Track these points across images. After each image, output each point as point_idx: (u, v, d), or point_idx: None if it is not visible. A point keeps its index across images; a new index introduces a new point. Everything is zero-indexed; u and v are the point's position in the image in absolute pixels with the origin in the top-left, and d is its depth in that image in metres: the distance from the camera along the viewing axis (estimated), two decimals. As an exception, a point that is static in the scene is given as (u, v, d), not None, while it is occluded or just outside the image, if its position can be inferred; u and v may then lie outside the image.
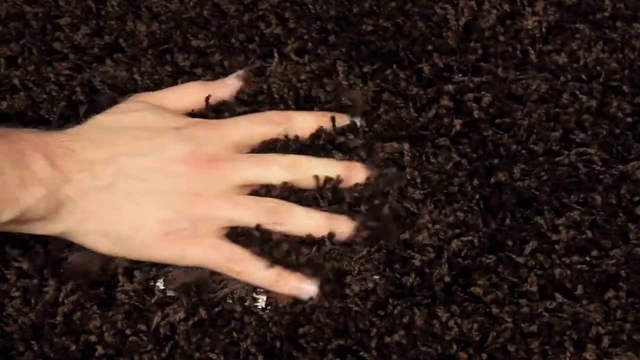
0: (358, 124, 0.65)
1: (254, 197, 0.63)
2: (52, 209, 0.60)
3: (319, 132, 0.65)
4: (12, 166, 0.58)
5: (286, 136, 0.65)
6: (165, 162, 0.62)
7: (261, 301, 0.62)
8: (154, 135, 0.63)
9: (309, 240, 0.62)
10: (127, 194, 0.61)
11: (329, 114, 0.66)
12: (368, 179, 0.63)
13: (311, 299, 0.61)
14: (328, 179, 0.63)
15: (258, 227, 0.62)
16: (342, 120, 0.66)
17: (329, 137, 0.65)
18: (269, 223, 0.62)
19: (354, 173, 0.64)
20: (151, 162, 0.62)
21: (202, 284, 0.62)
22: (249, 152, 0.65)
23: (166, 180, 0.62)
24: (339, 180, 0.63)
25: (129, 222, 0.61)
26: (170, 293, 0.62)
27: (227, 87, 0.68)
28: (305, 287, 0.61)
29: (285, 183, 0.63)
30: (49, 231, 0.61)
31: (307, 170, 0.63)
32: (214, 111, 0.67)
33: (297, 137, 0.65)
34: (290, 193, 0.63)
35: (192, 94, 0.68)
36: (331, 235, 0.62)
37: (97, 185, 0.61)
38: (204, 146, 0.63)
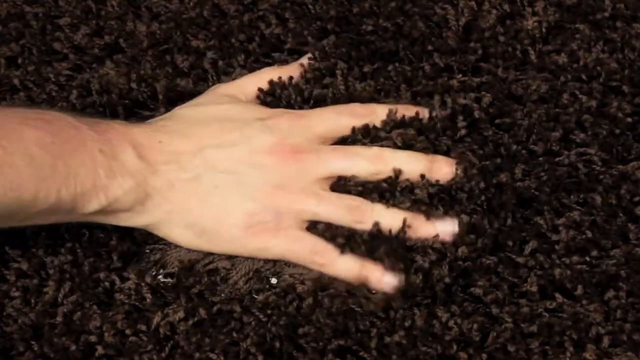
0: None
1: (337, 193, 0.63)
2: (139, 200, 0.60)
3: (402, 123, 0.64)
4: (101, 156, 0.59)
5: (371, 128, 0.64)
6: (250, 154, 0.62)
7: (273, 280, 0.62)
8: (240, 127, 0.63)
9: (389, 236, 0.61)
10: (213, 186, 0.61)
11: (413, 108, 0.65)
12: (453, 172, 0.63)
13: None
14: (410, 174, 0.62)
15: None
16: (424, 113, 0.65)
17: (409, 135, 0.64)
18: (350, 220, 0.62)
19: (437, 166, 0.63)
20: (237, 153, 0.62)
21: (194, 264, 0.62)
22: (332, 144, 0.65)
23: (251, 172, 0.62)
24: (422, 174, 0.62)
25: (215, 215, 0.61)
26: (167, 279, 0.62)
27: (301, 69, 0.68)
28: (388, 280, 0.61)
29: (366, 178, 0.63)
30: (135, 223, 0.62)
31: (392, 162, 0.63)
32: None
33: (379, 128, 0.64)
34: (373, 188, 0.62)
35: (268, 78, 0.68)
36: (410, 234, 0.61)
37: (183, 177, 0.61)
38: (289, 137, 0.63)
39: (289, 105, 0.67)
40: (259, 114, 0.64)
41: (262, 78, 0.68)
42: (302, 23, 0.70)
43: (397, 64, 0.67)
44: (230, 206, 0.61)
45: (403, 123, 0.64)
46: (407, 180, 0.63)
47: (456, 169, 0.63)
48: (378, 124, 0.64)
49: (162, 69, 0.70)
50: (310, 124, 0.64)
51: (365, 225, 0.62)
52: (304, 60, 0.68)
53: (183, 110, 0.65)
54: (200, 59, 0.70)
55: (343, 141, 0.65)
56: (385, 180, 0.63)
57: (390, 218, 0.62)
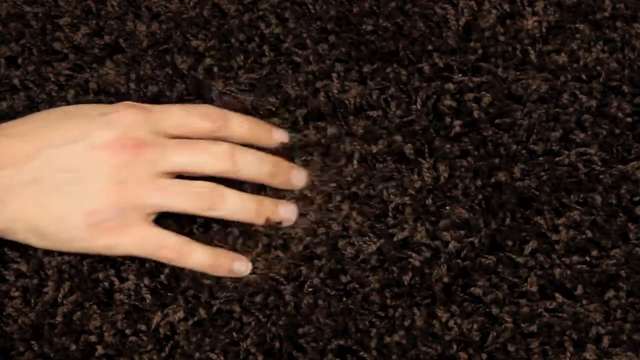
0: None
1: (184, 181, 0.61)
2: None
3: (249, 143, 0.64)
4: None
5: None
6: (90, 150, 0.60)
7: None
8: (80, 123, 0.61)
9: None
10: (52, 187, 0.60)
11: (265, 125, 0.65)
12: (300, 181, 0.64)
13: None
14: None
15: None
16: (277, 134, 0.65)
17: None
18: (199, 209, 0.61)
19: (280, 171, 0.63)
20: (76, 150, 0.60)
21: None
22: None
23: (91, 169, 0.60)
24: (269, 178, 0.63)
25: (55, 217, 0.60)
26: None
27: None
28: (238, 266, 0.61)
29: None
30: None
31: (239, 162, 0.62)
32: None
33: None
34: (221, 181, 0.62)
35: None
36: (267, 221, 0.62)
37: (21, 181, 0.60)
38: (131, 131, 0.61)
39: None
40: (103, 110, 0.63)
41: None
42: (302, 23, 0.70)
43: (396, 64, 0.67)
44: (70, 206, 0.60)
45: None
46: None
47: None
48: (229, 133, 0.63)
49: (161, 69, 0.70)
50: (156, 118, 0.62)
51: (217, 212, 0.61)
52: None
53: (33, 115, 0.64)
54: (200, 59, 0.70)
55: None
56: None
57: (242, 204, 0.62)
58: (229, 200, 0.61)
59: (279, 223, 0.63)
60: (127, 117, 0.62)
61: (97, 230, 0.60)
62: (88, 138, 0.60)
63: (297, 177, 0.64)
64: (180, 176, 0.62)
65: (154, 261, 0.62)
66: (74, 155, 0.60)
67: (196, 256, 0.61)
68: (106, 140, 0.60)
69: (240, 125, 0.64)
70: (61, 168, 0.60)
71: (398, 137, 0.65)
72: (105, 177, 0.60)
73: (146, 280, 0.62)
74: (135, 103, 0.64)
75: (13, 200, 0.60)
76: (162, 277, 0.62)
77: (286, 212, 0.63)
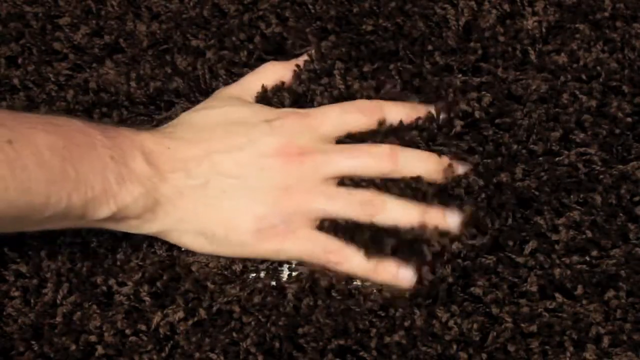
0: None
1: (347, 188, 0.62)
2: (148, 208, 0.60)
3: (412, 124, 0.64)
4: (112, 162, 0.58)
5: (380, 125, 0.64)
6: (257, 157, 0.62)
7: (285, 272, 0.63)
8: (245, 130, 0.63)
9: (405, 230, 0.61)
10: (221, 191, 0.61)
11: (421, 106, 0.65)
12: (461, 174, 0.63)
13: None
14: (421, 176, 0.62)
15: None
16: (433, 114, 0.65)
17: (423, 128, 0.64)
18: (362, 215, 0.62)
19: (442, 167, 0.63)
20: (244, 157, 0.62)
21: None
22: (341, 142, 0.64)
23: (259, 175, 0.62)
24: (433, 175, 0.63)
25: (224, 221, 0.61)
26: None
27: (302, 64, 0.68)
28: (404, 274, 0.61)
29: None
30: (146, 230, 0.62)
31: (401, 161, 0.63)
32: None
33: (391, 126, 0.64)
34: (384, 186, 0.62)
35: (270, 75, 0.67)
36: (435, 230, 0.61)
37: (191, 184, 0.61)
38: (295, 138, 0.62)
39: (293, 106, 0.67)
40: (265, 116, 0.64)
41: (264, 75, 0.67)
42: (302, 23, 0.70)
43: (397, 64, 0.67)
44: (239, 211, 0.61)
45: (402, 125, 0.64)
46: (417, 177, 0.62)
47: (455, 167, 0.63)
48: (387, 121, 0.64)
49: (161, 69, 0.70)
50: (316, 123, 0.64)
51: (379, 218, 0.62)
52: (303, 58, 0.68)
53: (190, 116, 0.65)
54: (200, 58, 0.70)
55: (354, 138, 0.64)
56: (393, 180, 0.62)
57: (402, 211, 0.62)
58: (391, 207, 0.62)
59: (447, 233, 0.62)
60: (289, 123, 0.63)
61: (265, 235, 0.61)
62: (254, 145, 0.62)
63: (461, 169, 0.64)
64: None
65: (154, 269, 0.62)
66: (241, 162, 0.62)
67: (357, 260, 0.62)
68: (272, 148, 0.62)
69: (397, 111, 0.65)
70: (229, 174, 0.62)
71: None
72: (272, 184, 0.61)
73: (145, 287, 0.62)
74: (294, 109, 0.65)
75: (184, 202, 0.61)
76: (159, 284, 0.62)
77: (454, 221, 0.62)
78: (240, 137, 0.62)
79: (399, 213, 0.62)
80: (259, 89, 0.67)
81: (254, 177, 0.61)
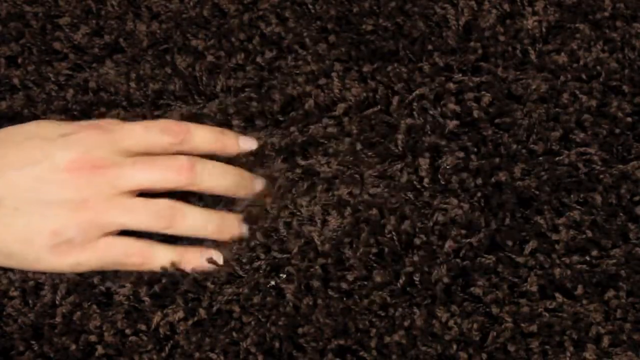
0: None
1: (143, 199, 0.62)
2: None
3: (214, 154, 0.65)
4: None
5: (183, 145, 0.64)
6: (51, 171, 0.61)
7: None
8: (41, 145, 0.62)
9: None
10: (15, 208, 0.60)
11: (230, 133, 0.66)
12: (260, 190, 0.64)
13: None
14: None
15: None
16: (244, 142, 0.66)
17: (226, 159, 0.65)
18: (159, 227, 0.62)
19: (244, 182, 0.64)
20: (39, 172, 0.61)
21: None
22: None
23: (53, 190, 0.61)
24: (233, 190, 0.64)
25: (20, 238, 0.61)
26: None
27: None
28: (203, 261, 0.62)
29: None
30: None
31: (200, 174, 0.63)
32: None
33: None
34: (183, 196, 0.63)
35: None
36: (231, 238, 0.63)
37: None
38: (91, 151, 0.62)
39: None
40: (63, 130, 0.63)
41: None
42: (302, 23, 0.70)
43: (397, 64, 0.67)
44: (34, 227, 0.61)
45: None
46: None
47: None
48: (193, 145, 0.64)
49: (161, 69, 0.70)
50: (116, 137, 0.63)
51: (178, 229, 0.62)
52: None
53: None
54: (200, 58, 0.70)
55: None
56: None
57: (202, 220, 0.63)
58: (189, 217, 0.62)
59: (240, 238, 0.64)
60: (87, 137, 0.62)
61: (62, 250, 0.61)
62: (49, 159, 0.61)
63: (259, 186, 0.65)
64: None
65: (151, 272, 0.63)
66: (35, 177, 0.61)
67: (161, 256, 0.62)
68: (67, 161, 0.61)
69: (204, 136, 0.65)
70: (23, 189, 0.61)
71: (397, 136, 0.65)
72: (65, 198, 0.61)
73: (144, 289, 0.62)
74: (96, 122, 0.65)
75: None
76: (157, 287, 0.62)
77: (244, 227, 0.64)
78: (34, 152, 0.62)
79: (198, 222, 0.63)
80: None
81: (48, 192, 0.61)
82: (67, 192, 0.61)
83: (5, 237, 0.61)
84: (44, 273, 0.63)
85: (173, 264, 0.62)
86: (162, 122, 0.65)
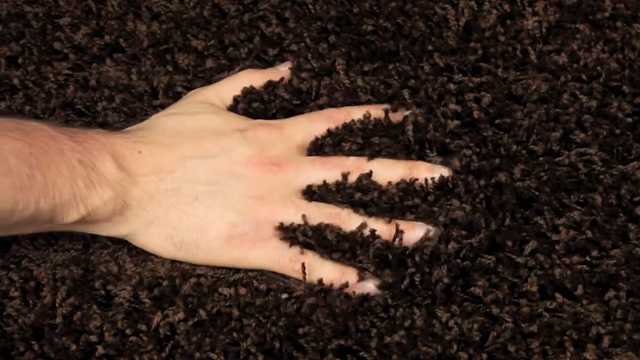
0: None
1: (316, 202, 0.63)
2: (118, 211, 0.60)
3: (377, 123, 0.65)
4: (80, 166, 0.59)
5: (350, 130, 0.65)
6: (230, 165, 0.62)
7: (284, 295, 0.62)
8: (219, 138, 0.63)
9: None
10: (193, 197, 0.62)
11: (386, 107, 0.66)
12: (432, 178, 0.63)
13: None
14: (392, 182, 0.63)
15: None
16: (399, 113, 0.66)
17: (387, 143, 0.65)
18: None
19: (415, 172, 0.64)
20: (217, 165, 0.62)
21: None
22: (313, 152, 0.65)
23: (231, 183, 0.62)
24: (403, 181, 0.63)
25: (195, 227, 0.61)
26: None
27: (280, 74, 0.68)
28: (366, 284, 0.61)
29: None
30: (114, 233, 0.62)
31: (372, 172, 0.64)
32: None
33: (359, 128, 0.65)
34: (351, 196, 0.63)
35: (247, 82, 0.68)
36: (395, 239, 0.62)
37: (164, 189, 0.61)
38: (267, 149, 0.63)
39: (279, 109, 0.67)
40: (238, 125, 0.64)
41: (239, 83, 0.68)
42: (302, 23, 0.70)
43: (397, 64, 0.67)
44: (211, 218, 0.61)
45: (381, 127, 0.65)
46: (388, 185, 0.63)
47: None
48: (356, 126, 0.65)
49: (162, 69, 0.70)
50: (288, 134, 0.64)
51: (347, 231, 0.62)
52: (284, 66, 0.68)
53: (162, 120, 0.65)
54: (200, 58, 0.70)
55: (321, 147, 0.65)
56: (361, 189, 0.63)
57: (369, 226, 0.62)
58: (356, 221, 0.63)
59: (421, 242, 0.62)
60: (262, 134, 0.64)
61: (235, 243, 0.62)
62: (228, 154, 0.62)
63: (424, 173, 0.64)
64: None
65: (151, 277, 0.63)
66: (214, 169, 0.62)
67: (325, 270, 0.62)
68: (246, 157, 0.62)
69: (364, 116, 0.65)
70: (202, 181, 0.62)
71: (403, 136, 0.65)
72: (244, 193, 0.62)
73: (145, 292, 0.62)
74: (265, 121, 0.66)
75: (155, 206, 0.61)
76: (156, 291, 0.62)
77: (421, 231, 0.63)
78: (213, 145, 0.63)
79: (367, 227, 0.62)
80: (231, 95, 0.67)
81: (226, 185, 0.62)
82: (246, 187, 0.62)
83: (181, 224, 0.61)
84: (45, 277, 0.63)
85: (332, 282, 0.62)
86: (324, 112, 0.66)
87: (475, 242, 0.61)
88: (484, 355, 0.58)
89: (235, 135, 0.63)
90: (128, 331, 0.61)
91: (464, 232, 0.61)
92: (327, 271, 0.62)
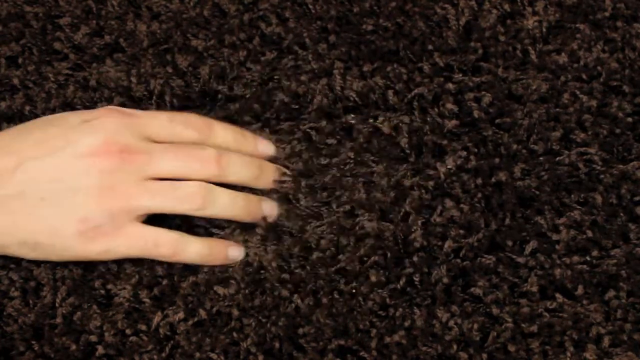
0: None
1: (173, 182, 0.61)
2: None
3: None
4: None
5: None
6: (76, 158, 0.60)
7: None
8: (63, 132, 0.61)
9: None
10: (40, 199, 0.60)
11: (249, 135, 0.66)
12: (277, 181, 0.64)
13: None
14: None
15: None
16: (262, 145, 0.66)
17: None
18: (190, 209, 0.61)
19: (264, 175, 0.64)
20: (61, 161, 0.60)
21: None
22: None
23: (78, 178, 0.60)
24: (256, 182, 0.64)
25: (47, 228, 0.60)
26: None
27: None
28: (232, 253, 0.62)
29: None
30: None
31: (226, 166, 0.62)
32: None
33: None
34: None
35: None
36: (261, 219, 0.63)
37: (7, 194, 0.59)
38: (116, 136, 0.61)
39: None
40: (85, 116, 0.62)
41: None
42: (303, 23, 0.70)
43: (397, 64, 0.67)
44: (61, 216, 0.60)
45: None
46: None
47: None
48: (214, 142, 0.64)
49: (162, 69, 0.70)
50: (139, 122, 0.62)
51: (209, 211, 0.62)
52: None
53: (13, 127, 0.64)
54: (200, 58, 0.70)
55: None
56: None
57: (231, 202, 0.62)
58: (219, 199, 0.62)
59: (264, 218, 0.63)
60: (110, 122, 0.61)
61: (91, 237, 0.60)
62: (72, 146, 0.60)
63: (271, 176, 0.65)
64: None
65: (151, 275, 0.63)
66: (58, 165, 0.60)
67: (192, 249, 0.62)
68: (91, 147, 0.60)
69: (225, 135, 0.65)
70: (46, 179, 0.60)
71: (398, 138, 0.65)
72: (92, 184, 0.60)
73: (145, 291, 0.62)
74: (117, 107, 0.64)
75: (2, 214, 0.59)
76: (156, 290, 0.62)
77: (268, 208, 0.64)
78: (56, 140, 0.61)
79: (227, 203, 0.62)
80: None
81: (73, 179, 0.60)
82: (94, 179, 0.60)
83: (31, 228, 0.60)
84: (45, 277, 0.63)
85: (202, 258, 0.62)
86: (186, 116, 0.65)
87: (475, 241, 0.61)
88: (484, 355, 0.58)
89: (81, 127, 0.61)
90: (128, 331, 0.61)
91: (462, 232, 0.61)
92: (195, 249, 0.62)
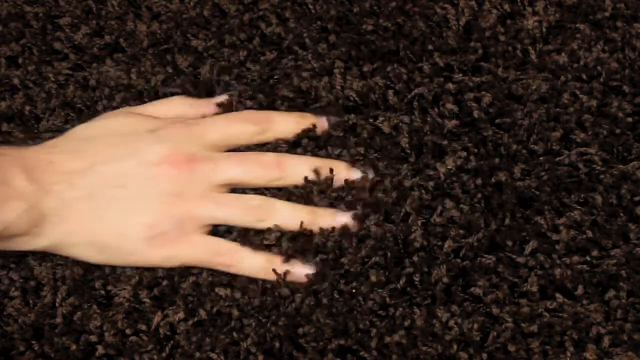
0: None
1: (236, 195, 0.63)
2: (34, 223, 0.60)
3: (301, 136, 0.65)
4: None
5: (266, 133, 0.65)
6: (143, 166, 0.62)
7: None
8: (130, 140, 0.63)
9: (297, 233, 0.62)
10: (108, 202, 0.61)
11: (310, 116, 0.66)
12: (351, 179, 0.64)
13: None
14: (311, 180, 0.63)
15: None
16: (322, 123, 0.66)
17: (310, 141, 0.65)
18: (252, 221, 0.62)
19: (337, 172, 0.64)
20: (129, 167, 0.62)
21: None
22: (229, 151, 0.65)
23: (146, 184, 0.61)
24: (324, 179, 0.63)
25: (114, 231, 0.61)
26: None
27: (213, 107, 0.67)
28: (298, 270, 0.62)
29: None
30: (35, 246, 0.61)
31: (290, 169, 0.63)
32: None
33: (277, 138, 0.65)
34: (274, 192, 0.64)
35: (179, 109, 0.67)
36: (320, 230, 0.62)
37: (77, 196, 0.61)
38: (182, 146, 0.63)
39: None
40: (150, 125, 0.64)
41: (170, 108, 0.67)
42: (303, 23, 0.70)
43: (397, 64, 0.67)
44: (129, 220, 0.61)
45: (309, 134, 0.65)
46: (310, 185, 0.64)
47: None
48: (275, 132, 0.65)
49: (162, 69, 0.70)
50: (202, 131, 0.64)
51: (267, 223, 0.62)
52: (220, 99, 0.68)
53: (76, 130, 0.65)
54: (200, 58, 0.70)
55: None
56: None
57: (291, 214, 0.62)
58: (280, 211, 0.63)
59: (333, 230, 0.63)
60: (175, 132, 0.63)
61: (156, 243, 0.61)
62: (139, 155, 0.62)
63: (342, 172, 0.65)
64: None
65: (151, 277, 0.62)
66: (126, 172, 0.62)
67: (250, 261, 0.62)
68: (159, 156, 0.62)
69: (285, 122, 0.65)
70: (115, 184, 0.61)
71: (398, 138, 0.65)
72: (160, 191, 0.62)
73: (145, 292, 0.62)
74: (180, 118, 0.65)
75: (71, 214, 0.61)
76: (156, 290, 0.62)
77: (343, 219, 0.63)
78: (123, 147, 0.62)
79: (287, 215, 0.62)
80: (163, 114, 0.67)
81: (140, 186, 0.61)
82: (161, 186, 0.61)
83: (99, 230, 0.61)
84: (45, 277, 0.63)
85: (260, 272, 0.62)
86: (242, 113, 0.66)
87: (475, 241, 0.61)
88: (484, 355, 0.58)
89: (147, 136, 0.63)
90: (128, 331, 0.61)
91: (462, 232, 0.61)
92: (253, 262, 0.62)
